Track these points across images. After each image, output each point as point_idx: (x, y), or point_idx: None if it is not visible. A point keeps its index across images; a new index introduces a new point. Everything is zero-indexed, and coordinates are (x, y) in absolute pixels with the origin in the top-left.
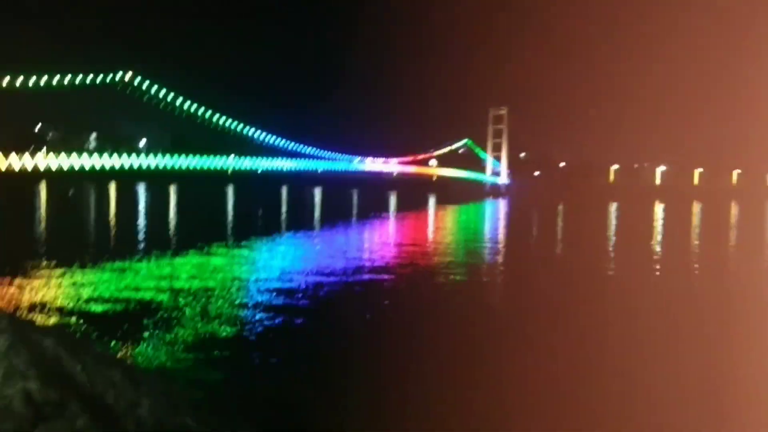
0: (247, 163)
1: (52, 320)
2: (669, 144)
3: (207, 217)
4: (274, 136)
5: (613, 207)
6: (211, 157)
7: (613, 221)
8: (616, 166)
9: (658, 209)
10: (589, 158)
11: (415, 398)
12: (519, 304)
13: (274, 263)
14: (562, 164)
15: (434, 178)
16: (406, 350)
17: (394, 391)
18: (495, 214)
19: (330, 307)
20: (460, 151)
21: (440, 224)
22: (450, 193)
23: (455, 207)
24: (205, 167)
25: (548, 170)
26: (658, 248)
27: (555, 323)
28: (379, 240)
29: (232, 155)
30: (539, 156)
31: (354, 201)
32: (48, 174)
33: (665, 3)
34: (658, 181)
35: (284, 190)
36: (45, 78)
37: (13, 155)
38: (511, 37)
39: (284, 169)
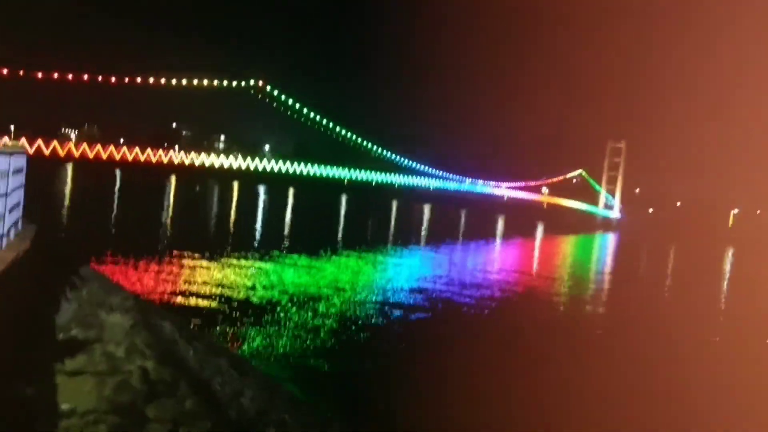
0: (362, 174)
1: (177, 306)
2: None
3: (321, 223)
4: (390, 152)
5: (729, 253)
6: (329, 166)
7: (727, 271)
8: (735, 210)
9: None
10: (707, 199)
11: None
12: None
13: (377, 276)
14: (678, 203)
15: (545, 206)
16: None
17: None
18: (604, 251)
19: (419, 328)
20: (574, 181)
21: (546, 256)
22: (559, 222)
23: (563, 238)
24: (323, 175)
25: (663, 208)
26: None
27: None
28: (482, 266)
29: (349, 166)
30: (654, 193)
31: (462, 221)
32: (178, 168)
33: None
34: None
35: (394, 204)
36: (184, 80)
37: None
38: (633, 70)
39: (396, 184)
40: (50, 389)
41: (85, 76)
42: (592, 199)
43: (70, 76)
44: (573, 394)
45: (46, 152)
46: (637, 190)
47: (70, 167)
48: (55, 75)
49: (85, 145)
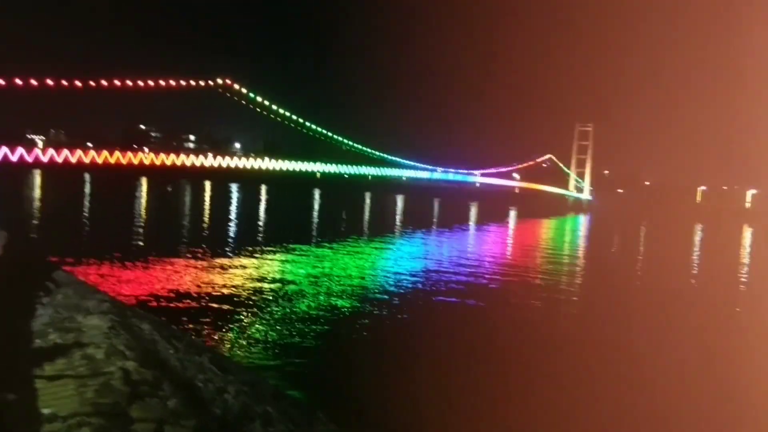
0: (334, 168)
1: (158, 305)
2: (762, 166)
3: (295, 218)
4: (361, 144)
5: (698, 228)
6: (301, 161)
7: (696, 245)
8: (703, 188)
9: (747, 233)
10: (675, 178)
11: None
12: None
13: (352, 267)
14: (646, 183)
15: (516, 191)
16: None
17: None
18: (575, 234)
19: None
20: (544, 165)
21: (520, 239)
22: (531, 206)
23: (536, 221)
24: (295, 170)
25: (632, 188)
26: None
27: None
28: (455, 255)
29: (320, 160)
30: (623, 173)
31: (435, 210)
32: (149, 169)
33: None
34: (747, 204)
35: (368, 196)
36: (150, 81)
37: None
38: (599, 52)
39: (369, 176)
40: (31, 394)
41: (49, 81)
42: (563, 182)
43: (33, 82)
44: None
45: (13, 159)
46: (606, 172)
47: (38, 173)
48: (18, 81)
49: (52, 151)
